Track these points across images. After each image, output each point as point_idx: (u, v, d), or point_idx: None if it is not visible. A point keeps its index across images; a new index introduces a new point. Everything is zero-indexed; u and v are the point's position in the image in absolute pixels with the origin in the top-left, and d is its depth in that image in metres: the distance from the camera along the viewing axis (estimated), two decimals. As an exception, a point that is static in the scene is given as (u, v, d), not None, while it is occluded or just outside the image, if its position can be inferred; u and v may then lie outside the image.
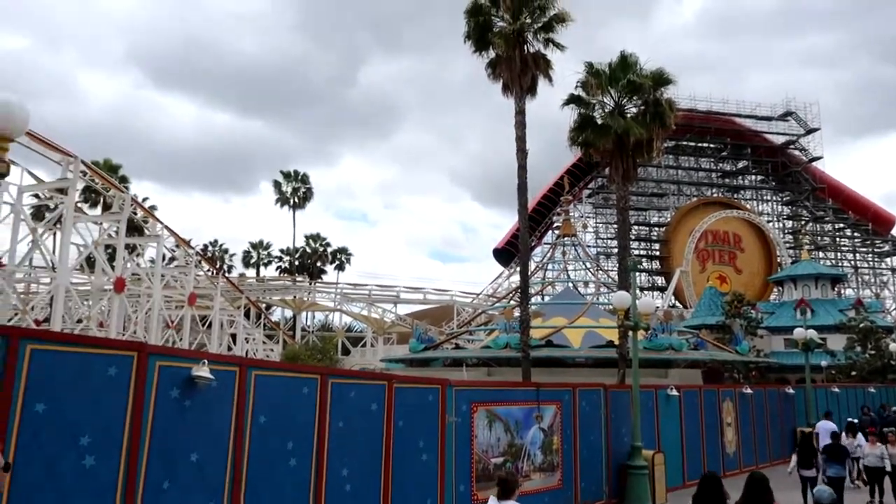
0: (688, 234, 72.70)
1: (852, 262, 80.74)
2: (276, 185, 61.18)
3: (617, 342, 29.14)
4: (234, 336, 43.79)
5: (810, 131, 78.36)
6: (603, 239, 76.35)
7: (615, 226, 77.57)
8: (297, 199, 61.14)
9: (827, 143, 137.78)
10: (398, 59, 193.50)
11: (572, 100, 21.59)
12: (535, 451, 11.10)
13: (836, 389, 25.11)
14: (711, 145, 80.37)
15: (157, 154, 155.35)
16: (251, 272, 68.69)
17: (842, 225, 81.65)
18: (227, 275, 56.21)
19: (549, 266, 42.18)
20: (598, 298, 35.34)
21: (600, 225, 76.56)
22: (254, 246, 67.88)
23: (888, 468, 13.68)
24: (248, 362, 7.86)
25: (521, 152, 21.71)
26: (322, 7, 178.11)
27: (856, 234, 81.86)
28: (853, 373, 38.13)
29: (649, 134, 20.77)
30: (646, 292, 75.99)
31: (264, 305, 61.35)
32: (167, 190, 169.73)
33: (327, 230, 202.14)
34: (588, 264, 40.66)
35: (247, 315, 50.20)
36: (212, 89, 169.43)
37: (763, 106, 79.55)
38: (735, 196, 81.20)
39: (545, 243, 72.39)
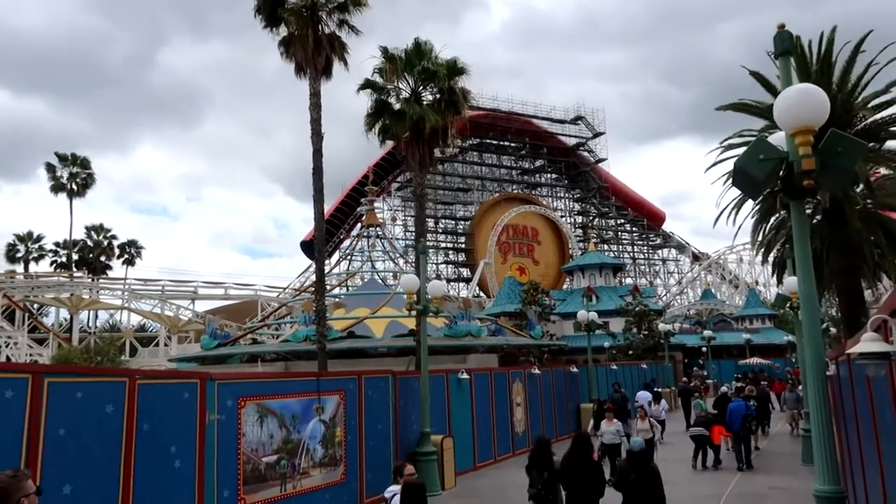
0: (490, 227, 76.12)
1: (631, 254, 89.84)
2: (50, 168, 53.80)
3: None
4: (-11, 341, 37.83)
5: (597, 135, 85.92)
6: (412, 232, 77.32)
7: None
8: (75, 186, 54.31)
9: (615, 148, 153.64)
10: (206, 43, 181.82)
11: (368, 84, 21.11)
12: (315, 446, 10.34)
13: (615, 367, 27.35)
14: (512, 144, 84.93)
15: None
16: (20, 268, 60.10)
17: (622, 220, 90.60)
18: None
19: (356, 257, 41.55)
20: (402, 288, 35.30)
21: (409, 218, 77.49)
22: (21, 238, 59.35)
23: (625, 443, 12.57)
24: (-79, 362, 6.22)
25: (317, 135, 20.78)
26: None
27: (634, 228, 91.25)
28: (630, 352, 42.16)
29: (445, 121, 20.92)
30: (452, 284, 78.51)
31: (37, 306, 54.13)
32: None
33: (122, 224, 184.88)
34: (393, 254, 40.61)
35: (11, 317, 43.76)
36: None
37: (557, 109, 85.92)
38: (533, 192, 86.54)
39: (354, 236, 71.74)
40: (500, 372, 17.94)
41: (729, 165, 20.51)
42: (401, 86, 21.48)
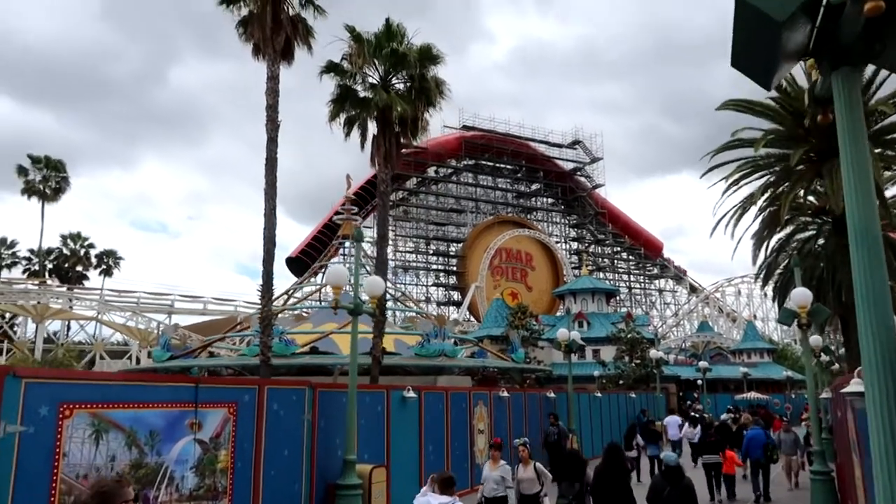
0: (483, 250, 73.87)
1: (627, 283, 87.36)
2: (22, 171, 51.62)
3: (393, 349, 26.98)
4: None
5: (595, 160, 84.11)
6: (402, 252, 75.10)
7: (415, 239, 76.89)
8: (48, 190, 52.14)
9: (614, 179, 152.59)
10: (215, 61, 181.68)
11: (331, 68, 19.07)
12: (185, 473, 7.96)
13: (599, 394, 24.95)
14: (508, 166, 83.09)
15: None
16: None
17: (619, 248, 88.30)
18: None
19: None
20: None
21: (399, 238, 75.08)
22: (-5, 244, 57.08)
23: (513, 497, 8.72)
24: None
25: (272, 122, 18.73)
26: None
27: (630, 257, 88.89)
28: (621, 381, 39.65)
29: (415, 111, 18.87)
30: (442, 307, 75.96)
31: (9, 315, 51.73)
32: None
33: (121, 240, 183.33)
34: (368, 267, 38.30)
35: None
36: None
37: (555, 133, 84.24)
38: (528, 216, 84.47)
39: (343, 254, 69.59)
40: (459, 392, 15.49)
41: (727, 170, 18.39)
42: (368, 71, 19.51)
